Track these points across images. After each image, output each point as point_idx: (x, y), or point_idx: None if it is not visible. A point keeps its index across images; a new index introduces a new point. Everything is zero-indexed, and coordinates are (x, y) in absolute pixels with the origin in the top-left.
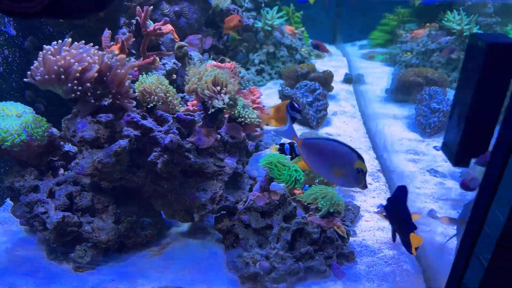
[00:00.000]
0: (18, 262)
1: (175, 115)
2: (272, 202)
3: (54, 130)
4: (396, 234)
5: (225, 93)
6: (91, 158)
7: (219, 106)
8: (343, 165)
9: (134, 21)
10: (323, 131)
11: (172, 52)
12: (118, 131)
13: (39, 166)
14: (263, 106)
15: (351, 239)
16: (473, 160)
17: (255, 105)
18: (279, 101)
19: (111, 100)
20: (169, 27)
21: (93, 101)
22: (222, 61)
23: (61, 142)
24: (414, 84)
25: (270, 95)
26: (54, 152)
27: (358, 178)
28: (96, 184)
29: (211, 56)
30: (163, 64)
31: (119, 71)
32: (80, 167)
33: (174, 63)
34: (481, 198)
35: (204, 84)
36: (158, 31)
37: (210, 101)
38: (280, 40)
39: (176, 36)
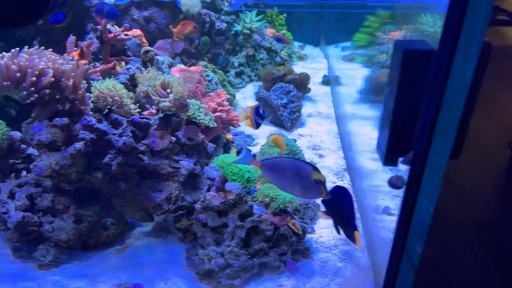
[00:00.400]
0: None
1: (130, 119)
2: (227, 201)
3: (16, 133)
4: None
5: (174, 95)
6: (49, 161)
7: (163, 107)
8: (302, 179)
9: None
10: (297, 132)
11: (134, 58)
12: (75, 134)
13: (1, 168)
14: (230, 108)
15: (309, 236)
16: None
17: (220, 108)
18: (255, 103)
19: (69, 104)
20: (137, 32)
21: (50, 105)
22: (193, 65)
23: (23, 146)
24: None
25: (248, 97)
26: (16, 155)
27: (318, 188)
28: (58, 185)
29: (183, 60)
30: (127, 69)
31: (71, 77)
32: (39, 169)
33: (137, 67)
34: (408, 194)
35: (152, 88)
36: (118, 37)
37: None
38: (260, 43)
39: (145, 40)
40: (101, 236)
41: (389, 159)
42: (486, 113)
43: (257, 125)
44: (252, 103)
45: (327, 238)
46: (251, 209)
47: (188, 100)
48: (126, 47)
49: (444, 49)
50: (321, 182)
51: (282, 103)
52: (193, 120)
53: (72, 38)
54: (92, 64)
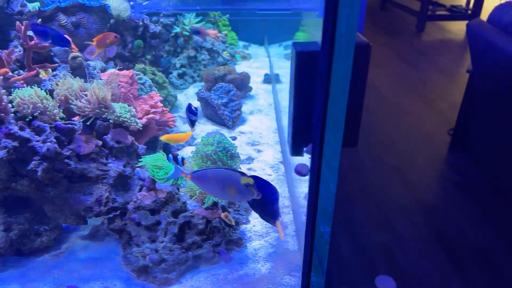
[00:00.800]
0: None
1: (54, 125)
2: (159, 200)
3: None
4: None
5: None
6: None
7: (82, 111)
8: (232, 185)
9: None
10: (238, 130)
11: (59, 64)
12: None
13: None
14: (165, 109)
15: (244, 226)
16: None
17: (153, 110)
18: (197, 103)
19: None
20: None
21: None
22: (123, 69)
23: None
24: None
25: (191, 98)
26: None
27: (249, 191)
28: None
29: (117, 64)
30: (54, 76)
31: None
32: None
33: (64, 74)
34: (311, 182)
35: (70, 93)
36: (39, 45)
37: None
38: (201, 44)
39: (73, 46)
40: (34, 242)
41: (294, 150)
42: (428, 102)
43: (191, 123)
44: (194, 103)
45: (260, 227)
46: (185, 206)
47: (114, 104)
48: (52, 54)
49: (324, 50)
50: (251, 185)
51: (223, 102)
52: (121, 123)
53: None
54: (17, 72)
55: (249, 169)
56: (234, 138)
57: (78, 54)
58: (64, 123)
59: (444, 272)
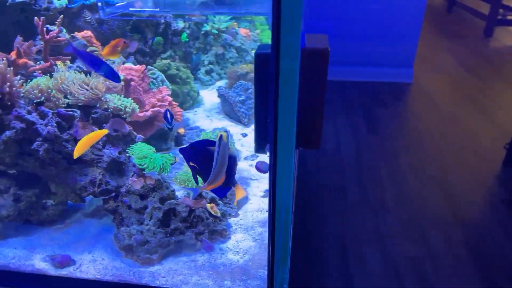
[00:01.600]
0: None
1: (56, 111)
2: (146, 186)
3: None
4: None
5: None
6: None
7: (77, 100)
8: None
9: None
10: (252, 127)
11: (69, 57)
12: (7, 124)
13: None
14: (174, 104)
15: (233, 219)
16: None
17: (160, 103)
18: (218, 99)
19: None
20: (87, 33)
21: None
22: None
23: None
24: None
25: (215, 94)
26: None
27: (223, 143)
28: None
29: (137, 59)
30: (69, 68)
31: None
32: None
33: (77, 66)
34: (270, 179)
35: (63, 83)
36: (54, 38)
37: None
38: (230, 42)
39: (95, 41)
40: (41, 215)
41: (258, 147)
42: (486, 114)
43: (169, 130)
44: (215, 99)
45: (247, 221)
46: (173, 194)
47: (112, 95)
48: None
49: (273, 52)
50: (222, 137)
51: (240, 100)
52: (118, 113)
53: (19, 39)
54: (38, 63)
55: (251, 165)
56: (245, 135)
57: (95, 48)
58: (65, 110)
59: None
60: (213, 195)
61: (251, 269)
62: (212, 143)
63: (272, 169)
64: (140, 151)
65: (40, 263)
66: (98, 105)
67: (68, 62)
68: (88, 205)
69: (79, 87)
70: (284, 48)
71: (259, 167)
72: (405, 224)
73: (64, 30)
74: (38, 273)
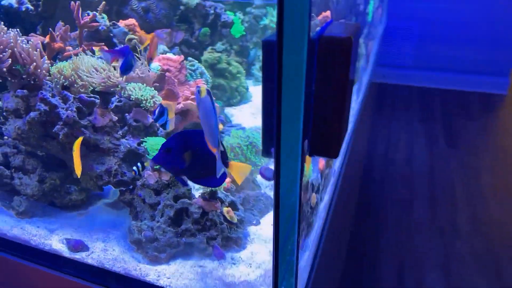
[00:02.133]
0: None
1: (78, 96)
2: (160, 181)
3: None
4: None
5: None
6: (14, 125)
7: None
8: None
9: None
10: None
11: (102, 44)
12: (33, 105)
13: None
14: (187, 97)
15: (253, 227)
16: None
17: (193, 96)
18: None
19: (31, 79)
20: (130, 21)
21: (17, 79)
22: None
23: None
24: None
25: None
26: None
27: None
28: (28, 149)
29: (182, 50)
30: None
31: (29, 55)
32: (8, 132)
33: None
34: (275, 186)
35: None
36: (88, 24)
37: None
38: None
39: (138, 30)
40: (64, 198)
41: (264, 150)
42: None
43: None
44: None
45: (267, 232)
46: (189, 193)
47: (132, 84)
48: (112, 34)
49: (276, 39)
50: (198, 91)
51: None
52: (139, 103)
53: (60, 24)
54: (76, 47)
55: None
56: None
57: (133, 36)
58: (87, 96)
59: None
60: (233, 198)
61: (261, 285)
62: (194, 135)
63: (275, 178)
64: (155, 144)
65: (57, 244)
66: (122, 93)
67: (104, 47)
68: (112, 194)
69: (91, 71)
70: (289, 34)
71: (264, 174)
72: (477, 253)
73: (106, 17)
74: (54, 253)
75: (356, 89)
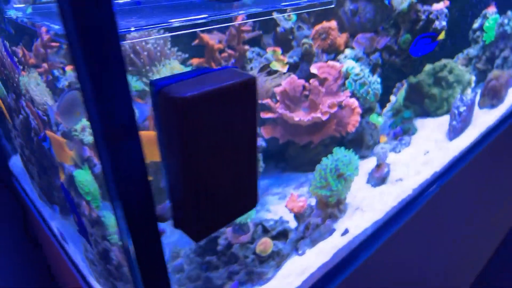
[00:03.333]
0: None
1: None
2: None
3: None
4: None
5: None
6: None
7: None
8: None
9: None
10: None
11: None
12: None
13: None
14: (356, 110)
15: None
16: None
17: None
18: None
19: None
20: (329, 24)
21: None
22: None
23: None
24: None
25: None
26: None
27: None
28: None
29: (383, 57)
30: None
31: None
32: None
33: (265, 58)
34: None
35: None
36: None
37: None
38: None
39: (334, 33)
40: None
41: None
42: None
43: None
44: None
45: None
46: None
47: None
48: (291, 38)
49: None
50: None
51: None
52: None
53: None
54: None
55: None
56: (427, 152)
57: (307, 41)
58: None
59: None
60: (285, 226)
61: None
62: None
63: None
64: None
65: None
66: None
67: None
68: None
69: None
70: None
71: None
72: None
73: (294, 18)
74: None
75: None
